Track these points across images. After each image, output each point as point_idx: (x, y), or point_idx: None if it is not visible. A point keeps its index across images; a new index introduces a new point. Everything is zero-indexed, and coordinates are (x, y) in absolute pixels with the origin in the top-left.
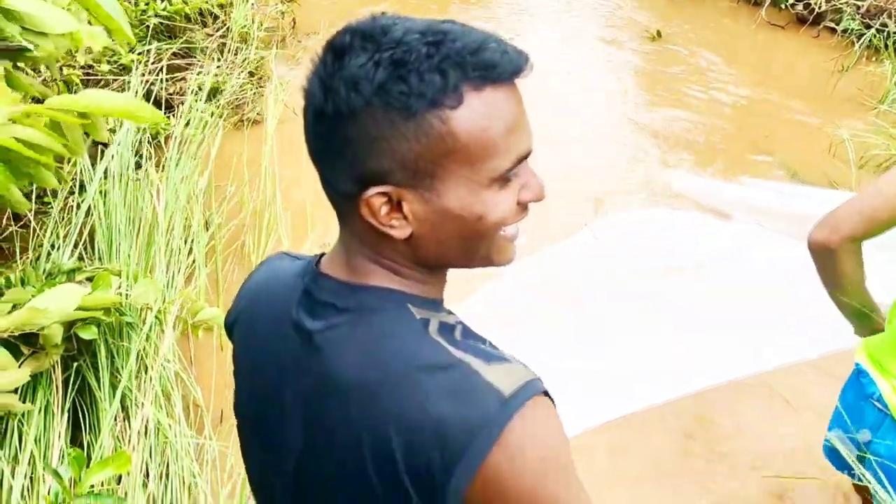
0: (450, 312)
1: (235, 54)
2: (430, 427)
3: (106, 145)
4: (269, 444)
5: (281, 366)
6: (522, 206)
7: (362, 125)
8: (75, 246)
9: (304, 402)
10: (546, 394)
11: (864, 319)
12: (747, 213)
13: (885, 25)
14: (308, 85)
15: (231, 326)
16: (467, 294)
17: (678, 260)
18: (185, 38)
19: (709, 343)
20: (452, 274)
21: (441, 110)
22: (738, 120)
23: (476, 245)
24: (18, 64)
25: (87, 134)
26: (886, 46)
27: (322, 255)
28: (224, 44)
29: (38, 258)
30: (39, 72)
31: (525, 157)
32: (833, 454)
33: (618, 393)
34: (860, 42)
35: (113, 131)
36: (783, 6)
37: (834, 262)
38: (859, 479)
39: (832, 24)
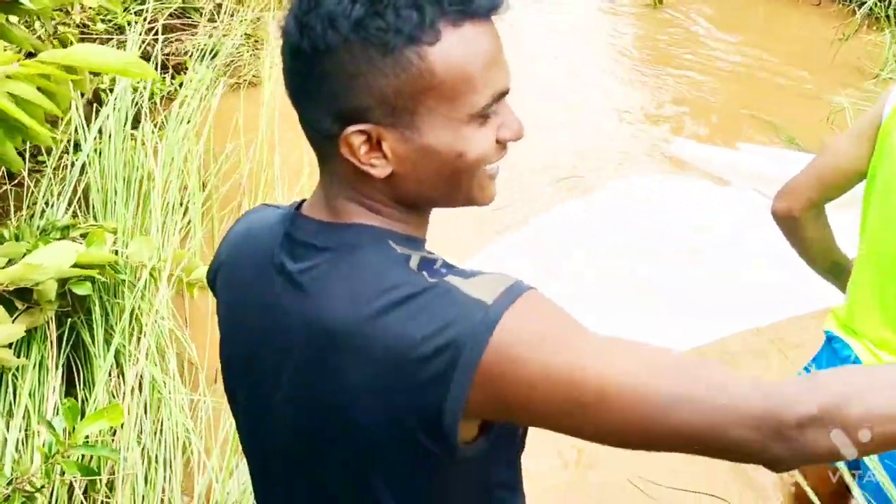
0: (431, 252)
1: (232, 16)
2: (418, 353)
3: (101, 104)
4: (259, 395)
5: (266, 312)
6: (502, 145)
7: (340, 62)
8: (69, 204)
9: (292, 348)
10: (532, 291)
11: (843, 278)
12: (745, 179)
13: None
14: (284, 24)
15: (213, 278)
16: (462, 259)
17: (674, 242)
18: None
19: (701, 328)
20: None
21: (419, 46)
22: (738, 88)
23: (456, 183)
24: (11, 18)
25: (81, 95)
26: (888, 16)
27: (303, 200)
28: (220, 5)
29: (32, 215)
30: (34, 28)
31: (503, 94)
32: None
33: None
34: (861, 10)
35: (107, 91)
36: None
37: (799, 228)
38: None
39: None
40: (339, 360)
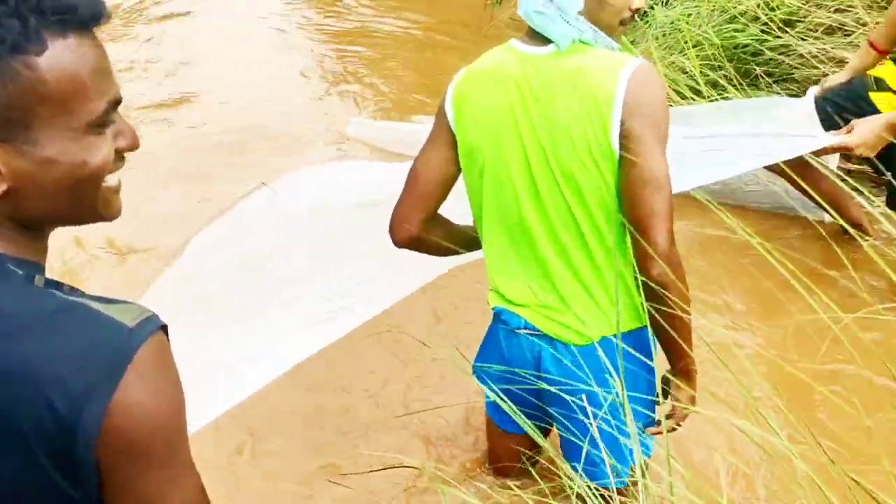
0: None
1: None
2: (53, 371)
3: None
4: None
5: None
6: (119, 155)
7: None
8: None
9: None
10: (164, 329)
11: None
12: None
13: None
14: None
15: None
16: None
17: (348, 224)
18: None
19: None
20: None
21: (26, 56)
22: (407, 60)
23: (81, 195)
24: None
25: None
26: None
27: None
28: None
29: None
30: None
31: (117, 102)
32: (498, 414)
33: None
34: None
35: None
36: None
37: (426, 242)
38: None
39: None
40: None
